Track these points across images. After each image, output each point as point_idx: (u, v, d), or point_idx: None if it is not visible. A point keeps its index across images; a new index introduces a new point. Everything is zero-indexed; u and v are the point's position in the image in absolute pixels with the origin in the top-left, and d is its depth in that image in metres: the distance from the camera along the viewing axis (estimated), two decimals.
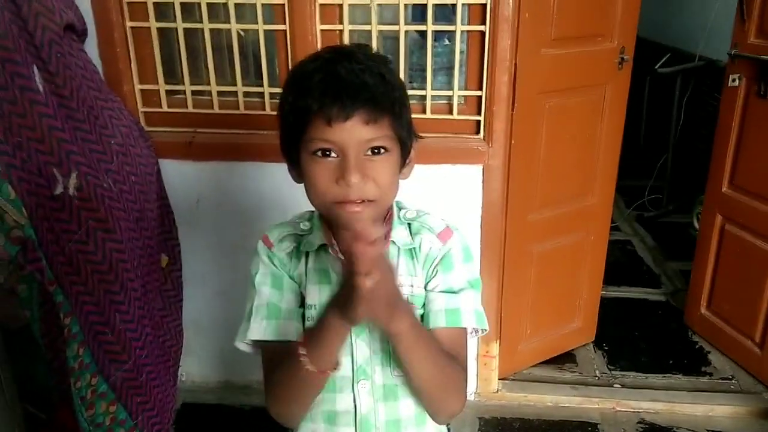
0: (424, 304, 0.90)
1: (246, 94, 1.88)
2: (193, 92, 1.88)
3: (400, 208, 0.94)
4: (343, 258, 0.86)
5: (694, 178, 3.55)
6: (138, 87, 1.87)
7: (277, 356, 0.87)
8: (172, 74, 1.91)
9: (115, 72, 1.82)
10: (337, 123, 0.77)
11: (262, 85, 1.85)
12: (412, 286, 0.90)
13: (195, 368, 2.18)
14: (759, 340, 2.22)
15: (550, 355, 2.34)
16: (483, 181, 1.87)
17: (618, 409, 2.13)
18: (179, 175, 1.92)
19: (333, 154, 0.79)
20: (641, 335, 2.54)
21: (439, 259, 0.90)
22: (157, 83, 1.87)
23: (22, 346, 1.47)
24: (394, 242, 0.90)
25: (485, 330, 0.93)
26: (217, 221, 1.99)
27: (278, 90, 1.86)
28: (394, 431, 0.92)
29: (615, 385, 2.22)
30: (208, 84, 1.86)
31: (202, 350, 2.15)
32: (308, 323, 0.91)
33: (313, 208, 0.90)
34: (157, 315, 1.78)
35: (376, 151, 0.80)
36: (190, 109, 1.89)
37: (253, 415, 2.10)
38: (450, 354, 0.86)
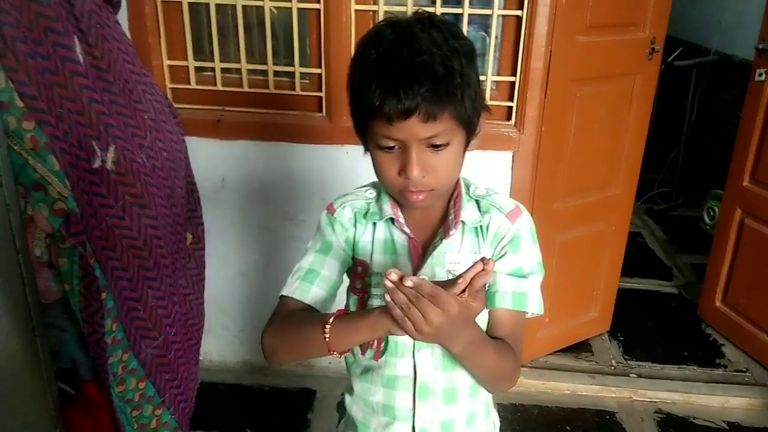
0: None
1: (276, 74, 1.86)
2: (223, 70, 1.86)
3: (468, 185, 0.94)
4: (408, 231, 0.88)
5: (705, 173, 3.57)
6: (167, 62, 1.85)
7: (293, 312, 0.91)
8: (201, 51, 1.88)
9: (144, 46, 1.79)
10: (397, 121, 0.77)
11: (293, 65, 1.83)
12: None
13: (214, 348, 2.18)
14: None
15: (567, 343, 2.35)
16: (512, 168, 1.87)
17: (635, 398, 2.14)
18: (205, 154, 1.90)
19: (396, 147, 0.81)
20: (655, 326, 2.56)
21: (508, 240, 0.89)
22: (186, 59, 1.84)
23: (53, 320, 1.45)
24: (463, 222, 0.89)
25: (540, 314, 0.93)
26: (242, 201, 1.98)
27: (309, 70, 1.85)
28: (450, 399, 0.93)
29: (631, 375, 2.23)
30: (238, 62, 1.84)
31: (222, 330, 2.14)
32: (373, 290, 0.92)
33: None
34: (182, 293, 1.77)
35: (436, 146, 0.80)
36: (219, 87, 1.87)
37: (271, 395, 2.10)
38: (504, 343, 0.88)
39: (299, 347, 0.89)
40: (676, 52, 3.65)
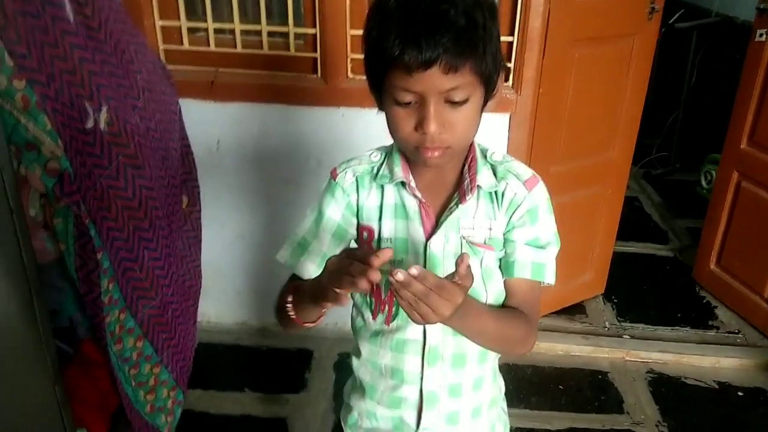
0: (503, 248, 0.90)
1: (270, 34, 1.83)
2: (216, 30, 1.84)
3: (485, 150, 0.92)
4: (420, 196, 0.87)
5: (704, 137, 3.55)
6: (159, 23, 1.82)
7: (285, 288, 0.93)
8: (193, 11, 1.85)
9: (135, 5, 1.77)
10: (417, 72, 0.74)
11: (287, 25, 1.81)
12: (490, 229, 0.89)
13: (211, 309, 2.20)
14: (767, 296, 2.26)
15: (562, 305, 2.38)
16: (509, 130, 1.86)
17: (627, 359, 2.17)
18: (199, 116, 1.88)
19: (413, 102, 0.78)
20: (649, 289, 2.58)
21: (525, 209, 0.88)
22: (179, 19, 1.82)
23: (50, 280, 1.46)
24: (479, 186, 0.88)
25: (552, 284, 0.93)
26: (237, 164, 1.98)
27: (303, 30, 1.82)
28: (459, 364, 0.93)
29: (624, 336, 2.26)
30: (231, 22, 1.81)
31: (220, 292, 2.16)
32: None
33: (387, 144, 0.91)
34: (179, 255, 1.78)
35: (455, 102, 0.78)
36: (212, 48, 1.85)
37: (270, 355, 2.13)
38: (514, 310, 0.89)
39: (286, 324, 0.92)
40: (677, 14, 3.60)
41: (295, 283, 0.90)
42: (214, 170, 1.97)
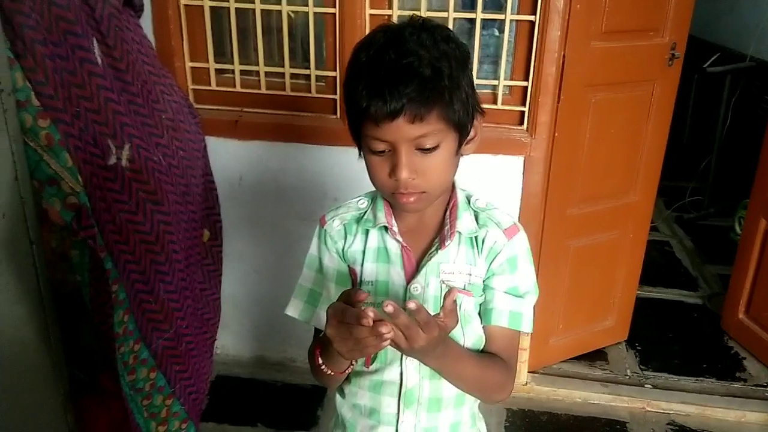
0: (483, 294, 0.91)
1: (293, 76, 1.90)
2: (242, 72, 1.92)
3: (469, 196, 0.94)
4: (401, 240, 0.89)
5: (738, 182, 3.47)
6: (189, 64, 1.91)
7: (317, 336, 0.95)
8: (222, 53, 1.94)
9: (167, 48, 1.86)
10: (384, 123, 0.78)
11: (309, 68, 1.87)
12: (470, 275, 0.90)
13: (230, 342, 2.23)
14: None
15: (582, 351, 2.33)
16: (524, 173, 1.87)
17: (648, 409, 2.11)
18: (224, 153, 1.95)
19: (386, 150, 0.81)
20: (675, 337, 2.51)
21: (504, 258, 0.90)
22: (208, 61, 1.90)
23: (70, 310, 1.52)
24: (459, 232, 0.90)
25: (529, 333, 0.94)
26: (258, 200, 2.03)
27: (324, 73, 1.89)
28: (435, 408, 0.94)
29: (646, 385, 2.20)
30: (257, 64, 1.89)
31: (238, 325, 2.20)
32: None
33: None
34: (198, 287, 1.83)
35: (426, 148, 0.81)
36: (238, 89, 1.93)
37: (284, 391, 2.14)
38: (493, 356, 0.90)
39: (323, 379, 0.93)
40: (712, 58, 3.57)
41: (319, 340, 0.90)
42: (236, 204, 2.03)
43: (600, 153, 2.00)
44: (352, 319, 0.71)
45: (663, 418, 2.08)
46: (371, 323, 0.69)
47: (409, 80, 0.76)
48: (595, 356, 2.34)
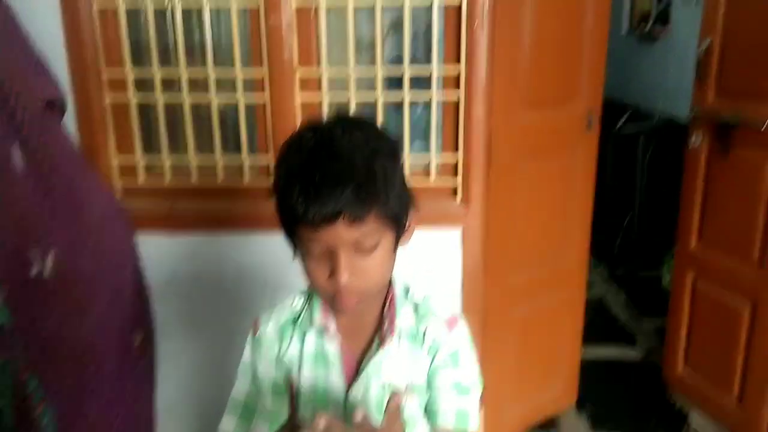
0: (427, 392, 0.89)
1: (225, 167, 1.88)
2: (173, 166, 1.88)
3: (407, 288, 0.93)
4: (342, 339, 0.86)
5: (662, 233, 3.65)
6: (115, 161, 1.86)
7: None
8: (150, 147, 1.90)
9: (92, 146, 1.80)
10: (322, 227, 0.77)
11: (241, 156, 1.86)
12: (413, 374, 0.88)
13: None
14: (737, 397, 2.23)
15: (534, 420, 2.32)
16: (462, 244, 1.89)
17: None
18: (156, 249, 1.87)
19: (324, 251, 0.80)
20: (622, 395, 2.55)
21: (447, 353, 0.88)
22: (135, 157, 1.86)
23: None
24: (399, 328, 0.88)
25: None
26: (194, 295, 1.95)
27: (257, 161, 1.87)
28: None
29: None
30: (187, 157, 1.86)
31: None
32: (304, 408, 0.89)
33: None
34: (131, 397, 1.71)
35: (364, 249, 0.80)
36: (168, 183, 1.88)
37: None
38: None
39: None
40: (623, 118, 3.81)
41: None
42: (171, 302, 1.94)
43: (533, 219, 2.06)
44: None
45: None
46: None
47: (345, 184, 0.75)
48: (548, 425, 2.33)
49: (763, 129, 1.99)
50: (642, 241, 3.83)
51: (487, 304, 2.02)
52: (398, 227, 0.84)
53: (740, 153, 2.12)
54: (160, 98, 1.81)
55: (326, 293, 0.84)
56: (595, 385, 2.54)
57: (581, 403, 2.43)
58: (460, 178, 1.86)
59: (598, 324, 3.10)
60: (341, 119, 0.84)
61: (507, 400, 2.18)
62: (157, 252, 1.88)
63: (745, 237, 2.13)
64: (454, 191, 1.88)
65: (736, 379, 2.22)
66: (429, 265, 1.89)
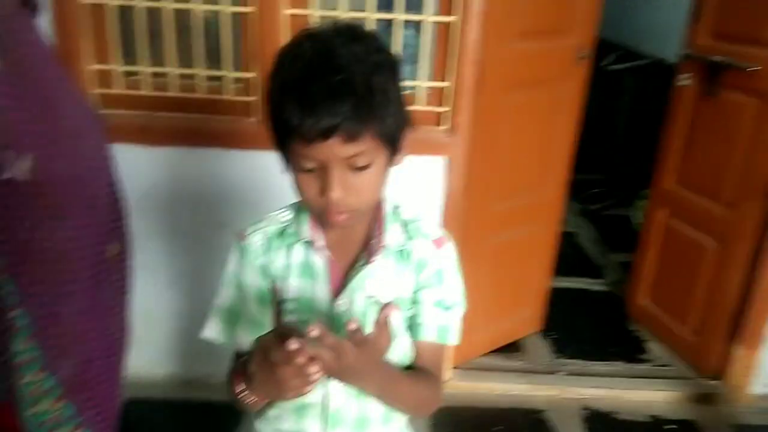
0: (411, 307, 0.90)
1: (207, 78, 1.82)
2: (152, 74, 1.81)
3: (396, 207, 0.93)
4: (329, 253, 0.87)
5: (639, 173, 3.70)
6: (93, 67, 1.78)
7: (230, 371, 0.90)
8: (129, 54, 1.82)
9: (68, 50, 1.72)
10: (317, 142, 0.75)
11: (223, 69, 1.80)
12: (398, 288, 0.89)
13: (142, 362, 2.11)
14: (694, 330, 2.34)
15: (500, 344, 2.40)
16: (446, 172, 1.89)
17: (563, 396, 2.21)
18: (133, 160, 1.83)
19: (316, 167, 0.78)
20: (585, 324, 2.64)
21: (433, 271, 0.89)
22: (113, 63, 1.78)
23: None
24: (386, 245, 0.88)
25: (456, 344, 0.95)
26: (171, 209, 1.93)
27: (240, 75, 1.82)
28: (362, 427, 0.93)
29: (560, 373, 2.30)
30: (168, 65, 1.79)
31: (151, 343, 2.08)
32: (289, 317, 0.90)
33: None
34: (106, 306, 1.72)
35: (358, 167, 0.79)
36: (147, 92, 1.82)
37: (201, 410, 2.05)
38: (423, 373, 0.90)
39: (250, 408, 0.86)
40: (612, 57, 3.76)
41: (241, 365, 0.84)
42: (148, 215, 1.92)
43: (516, 151, 2.06)
44: (278, 359, 0.68)
45: (577, 404, 2.18)
46: (302, 361, 0.66)
47: (344, 98, 0.73)
48: (513, 348, 2.42)
49: (747, 69, 1.99)
50: (619, 180, 3.88)
51: (466, 231, 2.04)
52: (393, 147, 0.83)
53: (725, 95, 2.13)
54: (139, 2, 1.71)
55: (316, 209, 0.82)
56: (561, 314, 2.63)
57: (546, 330, 2.53)
58: (449, 106, 1.84)
59: (568, 256, 3.17)
60: (341, 29, 0.79)
61: (477, 322, 2.24)
62: (135, 164, 1.85)
63: (719, 177, 2.18)
64: (440, 119, 1.86)
65: (695, 312, 2.32)
66: (411, 191, 1.89)
